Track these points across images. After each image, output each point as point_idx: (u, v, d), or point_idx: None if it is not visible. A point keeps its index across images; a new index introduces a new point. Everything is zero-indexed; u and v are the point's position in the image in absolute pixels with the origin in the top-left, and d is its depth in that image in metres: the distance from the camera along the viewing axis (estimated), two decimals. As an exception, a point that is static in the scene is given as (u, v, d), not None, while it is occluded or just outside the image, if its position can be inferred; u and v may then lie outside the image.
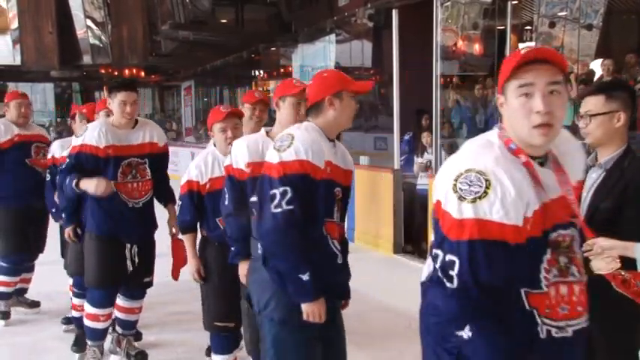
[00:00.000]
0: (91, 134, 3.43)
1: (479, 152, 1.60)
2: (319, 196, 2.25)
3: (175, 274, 3.62)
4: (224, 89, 19.52)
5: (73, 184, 3.41)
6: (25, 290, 4.78)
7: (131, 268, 3.57)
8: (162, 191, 3.76)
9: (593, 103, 2.28)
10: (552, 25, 6.72)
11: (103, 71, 19.99)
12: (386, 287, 5.24)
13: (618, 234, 2.17)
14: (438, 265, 1.58)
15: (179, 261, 3.55)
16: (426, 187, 6.62)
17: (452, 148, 7.68)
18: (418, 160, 7.21)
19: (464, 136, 8.18)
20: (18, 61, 19.11)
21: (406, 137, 7.42)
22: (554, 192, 1.62)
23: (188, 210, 3.16)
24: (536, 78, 1.53)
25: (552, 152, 1.67)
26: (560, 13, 6.68)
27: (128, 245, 3.56)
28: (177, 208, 3.32)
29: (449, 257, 1.54)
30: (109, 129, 3.46)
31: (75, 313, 4.08)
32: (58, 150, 4.14)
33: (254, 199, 2.40)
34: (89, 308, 3.58)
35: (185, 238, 3.26)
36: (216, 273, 3.14)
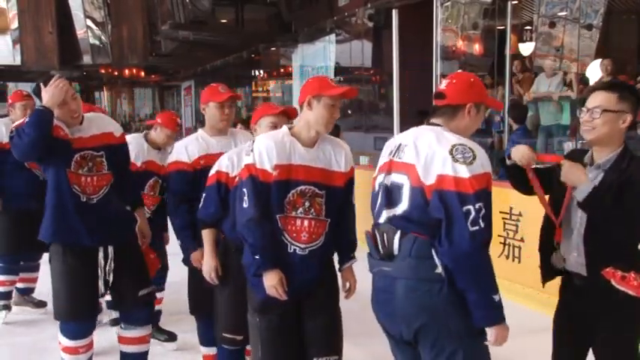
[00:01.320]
0: None
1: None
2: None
3: None
4: (224, 89, 19.47)
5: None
6: (31, 290, 4.79)
7: (103, 290, 3.10)
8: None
9: (605, 99, 2.25)
10: (552, 25, 6.70)
11: (103, 71, 20.00)
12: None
13: (617, 232, 2.21)
14: None
15: (150, 272, 3.32)
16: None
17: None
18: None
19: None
20: (18, 61, 19.09)
21: None
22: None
23: (213, 202, 2.93)
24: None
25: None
26: (560, 13, 6.66)
27: (101, 250, 3.07)
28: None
29: None
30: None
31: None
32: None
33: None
34: (65, 341, 3.07)
35: (205, 234, 3.00)
36: (233, 281, 2.92)
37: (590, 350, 2.46)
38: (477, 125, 2.28)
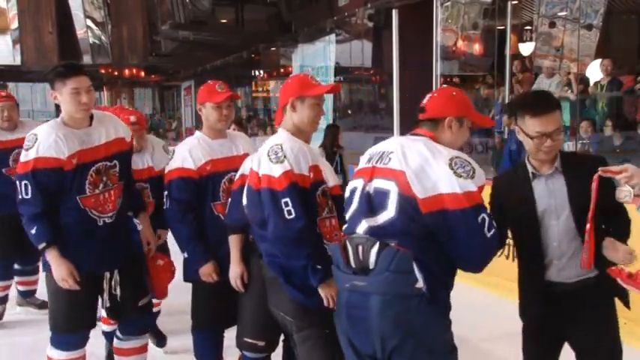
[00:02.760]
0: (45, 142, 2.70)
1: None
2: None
3: (160, 292, 3.27)
4: (224, 89, 19.48)
5: (40, 246, 2.72)
6: (33, 292, 4.66)
7: (108, 304, 2.94)
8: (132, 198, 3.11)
9: (557, 120, 2.22)
10: (552, 25, 6.70)
11: (103, 71, 19.99)
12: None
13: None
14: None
15: (164, 279, 3.21)
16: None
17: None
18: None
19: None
20: (18, 61, 19.12)
21: None
22: None
23: (240, 206, 2.67)
24: None
25: None
26: (560, 13, 6.67)
27: (106, 275, 2.89)
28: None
29: None
30: (65, 131, 2.74)
31: (105, 327, 3.48)
32: None
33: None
34: (57, 354, 2.89)
35: (232, 240, 2.78)
36: (258, 286, 2.69)
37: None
38: (462, 140, 2.22)
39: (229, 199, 2.79)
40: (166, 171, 3.03)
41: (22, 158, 2.72)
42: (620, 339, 2.35)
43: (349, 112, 13.01)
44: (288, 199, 2.29)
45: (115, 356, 3.12)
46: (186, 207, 2.92)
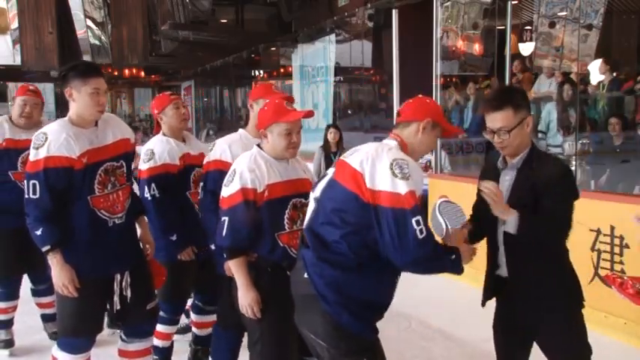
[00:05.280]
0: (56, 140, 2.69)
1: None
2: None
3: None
4: (224, 89, 19.51)
5: (44, 248, 2.69)
6: (48, 316, 4.21)
7: (118, 307, 2.90)
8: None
9: (504, 119, 2.31)
10: (552, 25, 6.70)
11: (102, 71, 19.99)
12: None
13: (538, 232, 2.29)
14: None
15: (157, 284, 3.14)
16: (425, 187, 6.62)
17: (451, 148, 7.69)
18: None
19: (465, 136, 8.18)
20: (18, 61, 19.11)
21: None
22: None
23: (245, 226, 2.55)
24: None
25: None
26: (560, 13, 6.66)
27: (117, 277, 2.88)
28: (224, 226, 2.60)
29: None
30: (75, 131, 2.75)
31: (157, 342, 3.42)
32: None
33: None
34: (63, 356, 2.86)
35: (236, 265, 2.60)
36: (275, 306, 2.58)
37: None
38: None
39: (224, 219, 2.58)
40: (204, 162, 3.13)
41: (32, 157, 2.70)
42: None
43: (349, 112, 13.00)
44: (420, 218, 2.10)
45: (120, 359, 3.09)
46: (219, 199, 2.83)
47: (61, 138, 2.69)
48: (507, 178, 2.40)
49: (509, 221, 2.24)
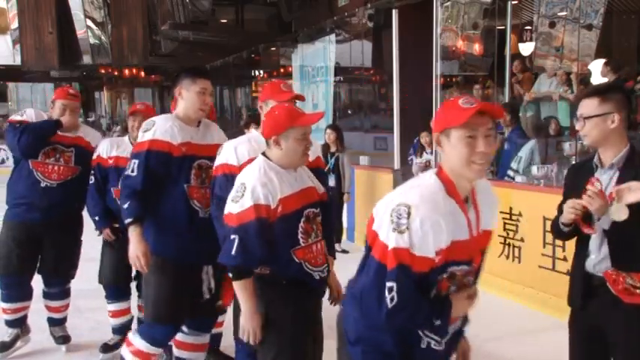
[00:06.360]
0: (162, 127, 2.95)
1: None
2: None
3: (227, 299, 3.23)
4: (224, 89, 19.52)
5: (128, 220, 2.90)
6: (56, 320, 4.13)
7: (207, 296, 3.08)
8: None
9: (587, 106, 2.35)
10: (552, 25, 6.70)
11: (103, 71, 20.00)
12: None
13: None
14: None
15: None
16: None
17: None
18: (417, 161, 7.22)
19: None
20: (18, 61, 19.10)
21: (415, 141, 7.45)
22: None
23: (258, 245, 2.36)
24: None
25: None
26: (560, 13, 6.67)
27: (205, 267, 3.06)
28: (233, 245, 2.39)
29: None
30: (180, 123, 3.01)
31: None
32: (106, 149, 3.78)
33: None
34: (144, 345, 2.97)
35: (241, 286, 2.41)
36: (290, 323, 2.43)
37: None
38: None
39: (233, 238, 2.37)
40: (214, 166, 2.99)
41: (139, 139, 2.99)
42: None
43: (349, 112, 13.00)
44: (394, 285, 1.78)
45: (175, 349, 3.24)
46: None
47: (166, 125, 2.95)
48: (605, 177, 2.35)
49: (618, 208, 2.18)
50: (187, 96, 3.00)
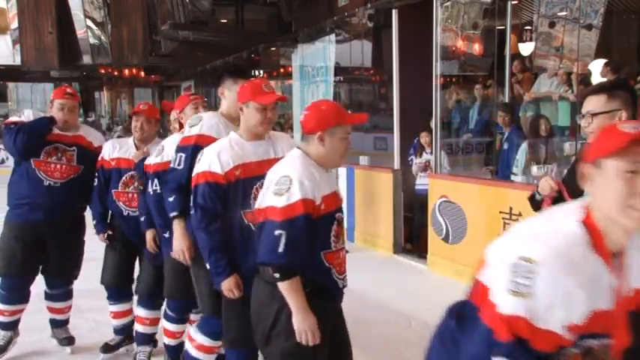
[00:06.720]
0: (209, 124, 3.03)
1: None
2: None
3: None
4: (224, 89, 19.49)
5: (172, 214, 2.99)
6: (59, 322, 4.16)
7: None
8: None
9: (594, 103, 2.32)
10: (552, 25, 6.70)
11: (102, 71, 19.99)
12: (385, 287, 5.25)
13: None
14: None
15: None
16: (426, 187, 6.63)
17: (451, 148, 7.71)
18: (417, 161, 7.23)
19: (463, 137, 8.19)
20: (18, 61, 19.10)
21: (415, 141, 7.45)
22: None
23: (304, 243, 2.27)
24: None
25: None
26: (560, 13, 6.66)
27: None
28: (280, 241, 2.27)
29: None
30: (224, 121, 3.08)
31: (167, 340, 3.61)
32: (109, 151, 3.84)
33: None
34: (206, 340, 3.03)
35: (290, 286, 2.29)
36: (323, 330, 2.35)
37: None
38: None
39: (279, 233, 2.25)
40: (193, 174, 2.84)
41: (186, 134, 3.08)
42: None
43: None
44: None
45: (194, 350, 3.22)
46: (212, 215, 2.72)
47: (212, 121, 3.05)
48: None
49: None
50: (229, 95, 3.09)
